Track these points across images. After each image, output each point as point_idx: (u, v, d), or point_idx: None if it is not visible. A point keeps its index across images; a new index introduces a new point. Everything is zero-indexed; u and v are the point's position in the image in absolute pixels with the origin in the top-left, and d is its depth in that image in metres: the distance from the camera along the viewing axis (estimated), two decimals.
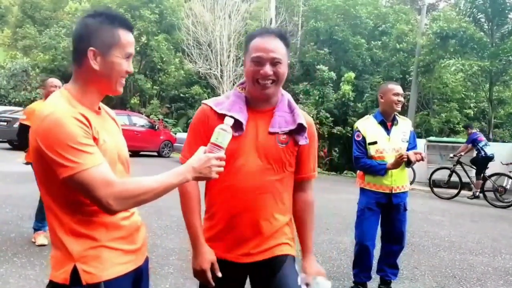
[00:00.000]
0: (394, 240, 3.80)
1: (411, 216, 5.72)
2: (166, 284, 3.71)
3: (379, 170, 3.61)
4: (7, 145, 15.22)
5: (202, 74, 20.42)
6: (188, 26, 20.06)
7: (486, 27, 16.27)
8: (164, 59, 22.86)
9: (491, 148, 10.14)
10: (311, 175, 1.91)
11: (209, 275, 1.72)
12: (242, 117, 1.73)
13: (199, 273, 1.75)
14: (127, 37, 1.46)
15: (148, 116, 19.91)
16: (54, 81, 4.70)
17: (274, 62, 1.70)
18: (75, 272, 1.36)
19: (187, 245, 4.91)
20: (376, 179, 3.68)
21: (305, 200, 1.91)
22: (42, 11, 29.12)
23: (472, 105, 19.51)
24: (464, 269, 4.75)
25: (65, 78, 24.82)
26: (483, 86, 16.72)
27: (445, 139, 13.94)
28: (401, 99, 3.68)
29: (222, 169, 1.49)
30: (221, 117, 1.68)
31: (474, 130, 10.62)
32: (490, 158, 10.05)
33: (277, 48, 1.71)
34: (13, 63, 23.56)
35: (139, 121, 16.64)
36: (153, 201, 1.41)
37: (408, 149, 3.68)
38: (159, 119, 20.61)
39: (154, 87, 22.91)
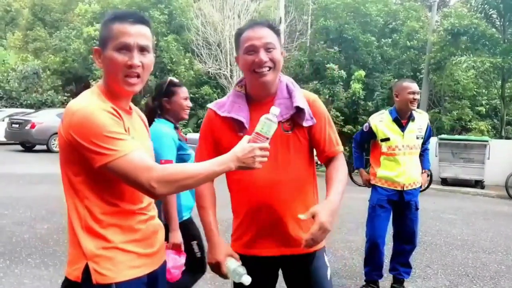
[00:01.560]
0: (406, 239, 3.78)
1: (423, 214, 5.68)
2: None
3: (354, 163, 4.06)
4: (19, 147, 15.37)
5: (211, 74, 20.42)
6: (198, 26, 20.09)
7: (498, 23, 16.05)
8: (173, 60, 22.90)
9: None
10: (334, 151, 1.83)
11: (224, 268, 1.69)
12: (242, 115, 1.73)
13: (214, 266, 1.73)
14: (120, 28, 1.39)
15: None
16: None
17: (268, 48, 1.69)
18: (86, 271, 1.36)
19: None
20: (388, 176, 3.67)
21: (333, 166, 1.81)
22: (53, 14, 29.39)
23: (484, 102, 19.24)
24: (477, 267, 4.71)
25: (75, 80, 25.07)
26: (495, 83, 16.51)
27: (456, 136, 13.74)
28: (417, 97, 3.65)
29: (265, 159, 1.46)
30: (225, 120, 1.74)
31: None
32: None
33: (268, 34, 1.71)
34: (24, 66, 23.76)
35: None
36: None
37: (423, 144, 3.80)
38: None
39: None
